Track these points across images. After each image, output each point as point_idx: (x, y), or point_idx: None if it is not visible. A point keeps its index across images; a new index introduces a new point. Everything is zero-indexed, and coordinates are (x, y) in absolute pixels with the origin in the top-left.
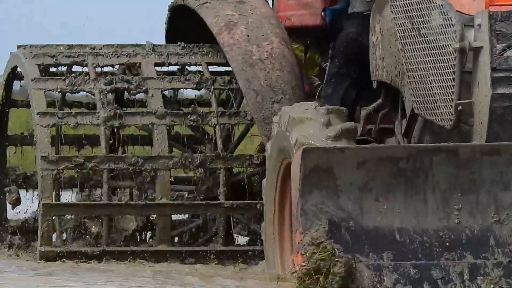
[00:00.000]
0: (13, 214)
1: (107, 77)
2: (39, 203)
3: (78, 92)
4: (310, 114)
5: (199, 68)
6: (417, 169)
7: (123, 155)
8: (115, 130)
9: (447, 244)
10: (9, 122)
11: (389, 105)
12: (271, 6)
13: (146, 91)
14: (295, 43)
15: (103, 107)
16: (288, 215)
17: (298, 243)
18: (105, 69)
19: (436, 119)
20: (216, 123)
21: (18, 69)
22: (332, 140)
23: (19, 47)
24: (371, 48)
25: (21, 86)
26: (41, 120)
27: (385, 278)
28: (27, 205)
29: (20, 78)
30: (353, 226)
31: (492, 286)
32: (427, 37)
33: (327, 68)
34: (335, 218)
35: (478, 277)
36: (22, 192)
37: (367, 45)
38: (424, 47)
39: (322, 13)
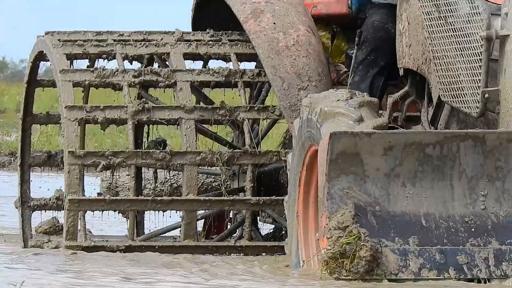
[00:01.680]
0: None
1: (136, 70)
2: (65, 198)
3: (107, 84)
4: (342, 109)
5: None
6: (444, 155)
7: (150, 150)
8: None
9: (473, 230)
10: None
11: (415, 92)
12: None
13: (174, 84)
14: (321, 31)
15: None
16: (314, 193)
17: (324, 227)
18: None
19: (462, 107)
20: (244, 117)
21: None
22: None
23: (46, 33)
24: (398, 36)
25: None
26: (69, 114)
27: (410, 263)
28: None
29: (47, 60)
30: (379, 211)
31: None
32: (454, 25)
33: (353, 55)
34: (361, 203)
35: (503, 263)
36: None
37: (394, 33)
38: (451, 35)
39: (348, 1)
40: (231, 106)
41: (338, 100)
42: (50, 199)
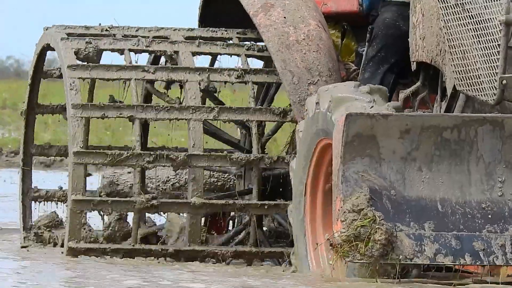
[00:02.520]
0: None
1: (144, 67)
2: (68, 198)
3: (115, 80)
4: (353, 94)
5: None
6: (462, 140)
7: (157, 152)
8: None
9: (490, 216)
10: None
11: (428, 87)
12: None
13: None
14: (331, 29)
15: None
16: (321, 201)
17: (338, 210)
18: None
19: (479, 95)
20: (251, 119)
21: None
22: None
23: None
24: (411, 29)
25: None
26: (76, 112)
27: (426, 248)
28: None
29: (53, 49)
30: (395, 195)
31: None
32: (471, 12)
33: (364, 52)
34: (376, 187)
35: None
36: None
37: (405, 30)
38: (468, 22)
39: (359, 0)
40: (237, 107)
41: (349, 88)
42: (51, 192)
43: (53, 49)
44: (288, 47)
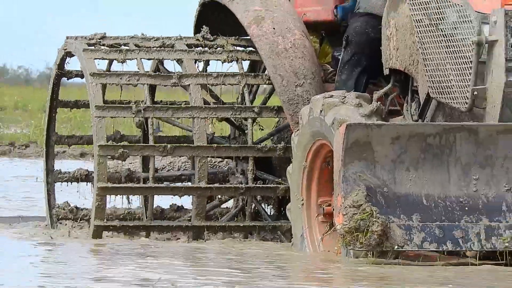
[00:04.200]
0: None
1: (154, 73)
2: (94, 185)
3: (131, 85)
4: (342, 99)
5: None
6: (443, 145)
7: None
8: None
9: (466, 208)
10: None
11: (400, 89)
12: None
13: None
14: (310, 35)
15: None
16: (315, 191)
17: (340, 205)
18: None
19: (451, 102)
20: (251, 117)
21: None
22: (366, 117)
23: (72, 37)
24: (385, 40)
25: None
26: (98, 113)
27: (414, 237)
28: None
29: (73, 55)
30: (387, 192)
31: (505, 245)
32: (444, 31)
33: (340, 56)
34: (371, 185)
35: (492, 237)
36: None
37: (373, 37)
38: (441, 40)
39: (334, 10)
40: (238, 107)
41: (337, 96)
42: (74, 173)
43: (73, 55)
44: (278, 54)
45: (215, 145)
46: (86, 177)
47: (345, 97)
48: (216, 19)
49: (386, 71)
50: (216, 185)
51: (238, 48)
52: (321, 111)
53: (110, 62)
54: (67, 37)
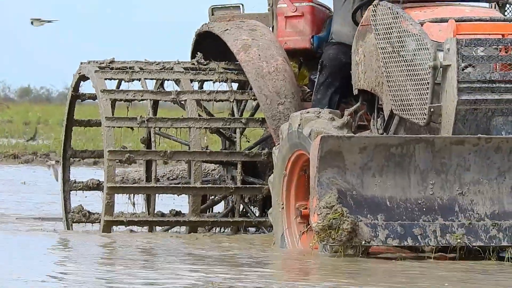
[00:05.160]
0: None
1: (157, 91)
2: (103, 185)
3: (136, 100)
4: (317, 114)
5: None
6: (404, 154)
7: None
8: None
9: (424, 209)
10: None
11: (367, 107)
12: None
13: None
14: (290, 61)
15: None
16: (293, 196)
17: (315, 206)
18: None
19: (411, 118)
20: (239, 127)
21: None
22: (338, 129)
23: (85, 62)
24: (354, 65)
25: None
26: (108, 123)
27: (379, 233)
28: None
29: (87, 78)
30: (356, 194)
31: (458, 241)
32: (405, 57)
33: (316, 79)
34: (342, 189)
35: (447, 234)
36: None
37: (344, 62)
38: (403, 64)
39: (311, 40)
40: (229, 119)
41: (313, 112)
42: (87, 182)
43: (87, 78)
44: (263, 76)
45: (209, 150)
46: (97, 186)
47: (320, 112)
48: (209, 47)
49: (355, 91)
50: (209, 185)
51: (228, 70)
52: (299, 125)
53: (119, 82)
54: (81, 63)
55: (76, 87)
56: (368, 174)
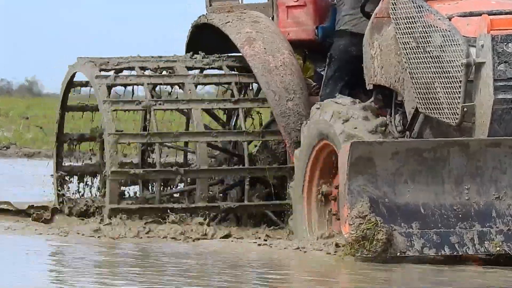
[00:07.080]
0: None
1: (159, 99)
2: (107, 170)
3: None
4: (351, 110)
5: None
6: (437, 158)
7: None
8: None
9: (460, 216)
10: None
11: (384, 104)
12: None
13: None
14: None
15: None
16: (317, 181)
17: (346, 215)
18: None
19: (441, 117)
20: (244, 140)
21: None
22: (371, 134)
23: (82, 58)
24: (369, 59)
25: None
26: (107, 106)
27: (414, 243)
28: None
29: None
30: (388, 202)
31: (497, 249)
32: (431, 53)
33: (322, 72)
34: (374, 196)
35: (485, 242)
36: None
37: (355, 55)
38: (429, 61)
39: (315, 30)
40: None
41: (346, 105)
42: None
43: (87, 83)
44: (270, 71)
45: (214, 130)
46: (93, 172)
47: (353, 106)
48: (206, 39)
49: (369, 86)
50: (217, 167)
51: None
52: (331, 116)
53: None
54: (78, 58)
55: (70, 80)
56: (401, 180)
